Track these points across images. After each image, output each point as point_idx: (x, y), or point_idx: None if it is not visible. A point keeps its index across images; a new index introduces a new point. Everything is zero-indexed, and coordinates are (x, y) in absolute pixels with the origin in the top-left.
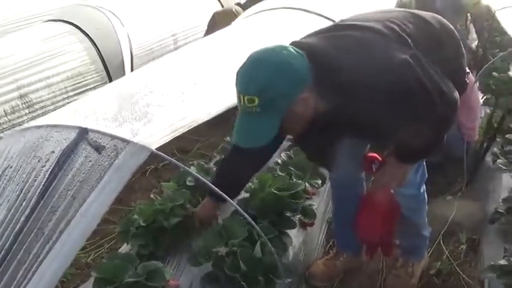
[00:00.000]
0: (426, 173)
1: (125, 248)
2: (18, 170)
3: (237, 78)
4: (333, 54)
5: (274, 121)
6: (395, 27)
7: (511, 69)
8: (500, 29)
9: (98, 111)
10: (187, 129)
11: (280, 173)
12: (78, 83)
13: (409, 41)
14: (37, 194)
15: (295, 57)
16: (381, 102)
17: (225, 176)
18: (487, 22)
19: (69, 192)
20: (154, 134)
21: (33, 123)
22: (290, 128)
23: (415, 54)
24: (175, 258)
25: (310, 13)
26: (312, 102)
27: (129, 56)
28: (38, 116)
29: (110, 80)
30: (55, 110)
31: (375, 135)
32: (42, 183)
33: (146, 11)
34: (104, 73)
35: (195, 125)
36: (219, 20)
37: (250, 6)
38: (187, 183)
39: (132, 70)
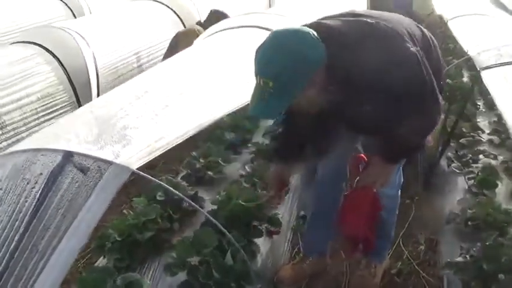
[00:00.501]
0: (402, 177)
1: (101, 262)
2: (9, 192)
3: (256, 57)
4: (348, 37)
5: (284, 101)
6: (405, 24)
7: (464, 75)
8: (453, 37)
9: (79, 134)
10: (163, 151)
11: (245, 185)
12: (48, 103)
13: (415, 41)
14: (29, 213)
15: (313, 45)
16: (385, 88)
17: (283, 145)
18: (440, 29)
19: (59, 211)
20: (133, 155)
21: (18, 146)
22: (301, 106)
23: (420, 53)
24: (150, 270)
25: (269, 31)
26: (325, 85)
27: (95, 76)
28: (11, 137)
29: (78, 100)
30: (27, 131)
31: (372, 121)
32: (34, 204)
33: (110, 31)
34: (72, 92)
35: (170, 146)
36: (182, 40)
37: (210, 25)
38: (158, 197)
39: (98, 89)
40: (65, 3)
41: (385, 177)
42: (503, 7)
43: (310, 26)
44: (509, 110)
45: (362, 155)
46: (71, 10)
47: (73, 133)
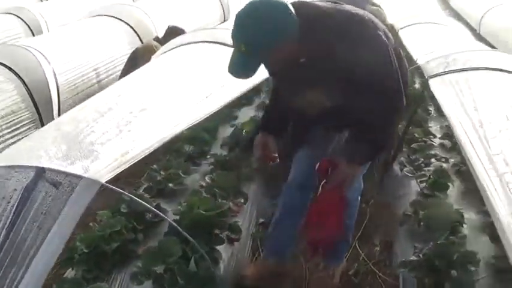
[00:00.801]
0: (362, 184)
1: (69, 273)
2: None
3: (234, 21)
4: (327, 16)
5: (256, 62)
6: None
7: (415, 82)
8: (404, 46)
9: (49, 151)
10: (129, 164)
11: (205, 195)
12: (12, 121)
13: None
14: (6, 227)
15: (284, 15)
16: (354, 68)
17: (270, 117)
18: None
19: (34, 224)
20: (101, 169)
21: None
22: (274, 67)
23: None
24: (118, 280)
25: (224, 45)
26: (294, 53)
27: (56, 93)
28: None
29: (40, 117)
30: None
31: (340, 101)
32: (10, 217)
33: (69, 48)
34: (34, 110)
35: (135, 160)
36: (140, 55)
37: (167, 41)
38: (122, 210)
39: (59, 106)
40: (23, 20)
41: (353, 177)
42: (456, 14)
43: (293, 3)
44: (455, 115)
45: (330, 160)
46: (29, 27)
47: (43, 150)
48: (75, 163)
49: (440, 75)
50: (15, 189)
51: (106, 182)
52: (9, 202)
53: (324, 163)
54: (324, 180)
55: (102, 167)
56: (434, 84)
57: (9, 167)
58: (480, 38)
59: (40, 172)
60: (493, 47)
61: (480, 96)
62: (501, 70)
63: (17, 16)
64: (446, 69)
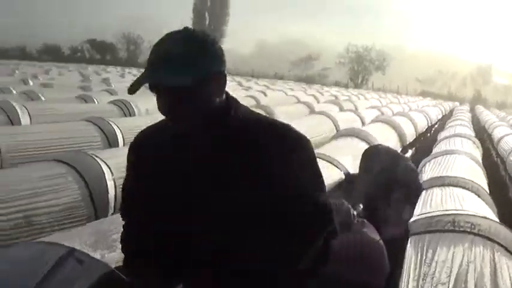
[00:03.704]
0: None
1: None
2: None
3: None
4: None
5: None
6: None
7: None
8: None
9: (82, 239)
10: None
11: None
12: (69, 215)
13: None
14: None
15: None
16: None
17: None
18: None
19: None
20: (116, 259)
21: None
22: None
23: None
24: None
25: None
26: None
27: (113, 200)
28: (36, 233)
29: (96, 215)
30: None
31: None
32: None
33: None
34: (92, 209)
35: None
36: None
37: None
38: None
39: (114, 209)
40: (102, 130)
41: None
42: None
43: None
44: (410, 267)
45: None
46: (107, 138)
47: (77, 238)
48: (96, 251)
49: (419, 234)
50: (51, 258)
51: (115, 268)
52: (46, 264)
53: None
54: None
55: (117, 257)
56: (411, 241)
57: (49, 243)
58: None
59: (71, 251)
60: None
61: (442, 253)
62: (473, 233)
63: (97, 125)
64: (427, 229)
